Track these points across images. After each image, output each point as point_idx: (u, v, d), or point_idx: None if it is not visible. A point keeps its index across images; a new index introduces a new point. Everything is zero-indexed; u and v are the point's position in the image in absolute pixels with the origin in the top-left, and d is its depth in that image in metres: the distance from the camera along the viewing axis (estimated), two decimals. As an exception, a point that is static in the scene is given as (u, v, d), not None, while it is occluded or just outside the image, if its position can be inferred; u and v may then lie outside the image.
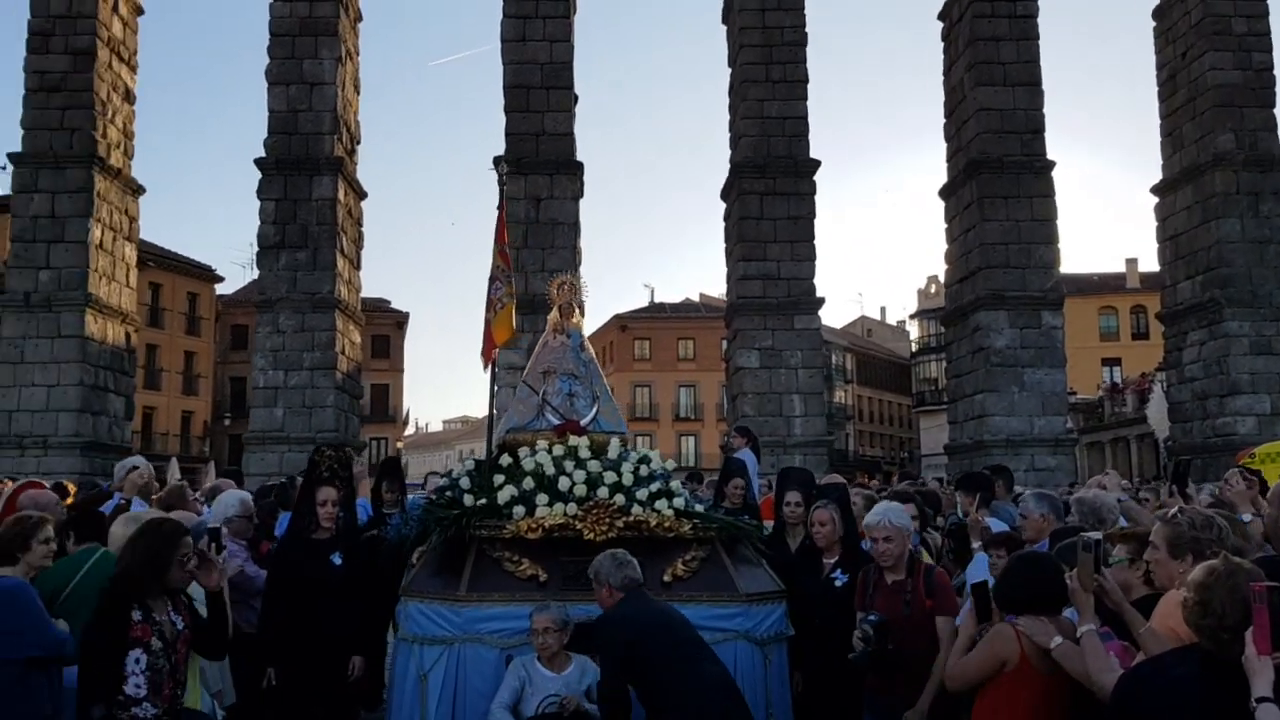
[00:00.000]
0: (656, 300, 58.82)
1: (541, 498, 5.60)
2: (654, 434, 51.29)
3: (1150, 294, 25.07)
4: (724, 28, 26.05)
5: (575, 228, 23.33)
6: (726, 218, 25.50)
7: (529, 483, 5.70)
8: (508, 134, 23.15)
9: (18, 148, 22.78)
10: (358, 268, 25.16)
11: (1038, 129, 23.59)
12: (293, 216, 23.06)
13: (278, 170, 23.06)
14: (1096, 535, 3.83)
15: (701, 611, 5.44)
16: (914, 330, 62.84)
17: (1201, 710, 2.82)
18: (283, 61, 23.38)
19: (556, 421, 6.70)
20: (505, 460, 6.04)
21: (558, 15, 23.56)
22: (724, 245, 25.61)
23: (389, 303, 49.77)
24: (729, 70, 25.58)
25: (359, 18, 25.57)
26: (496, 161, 9.02)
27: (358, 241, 25.08)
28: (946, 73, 25.76)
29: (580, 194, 23.73)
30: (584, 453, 5.91)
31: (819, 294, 23.69)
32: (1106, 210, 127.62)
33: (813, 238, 23.81)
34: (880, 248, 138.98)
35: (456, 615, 5.27)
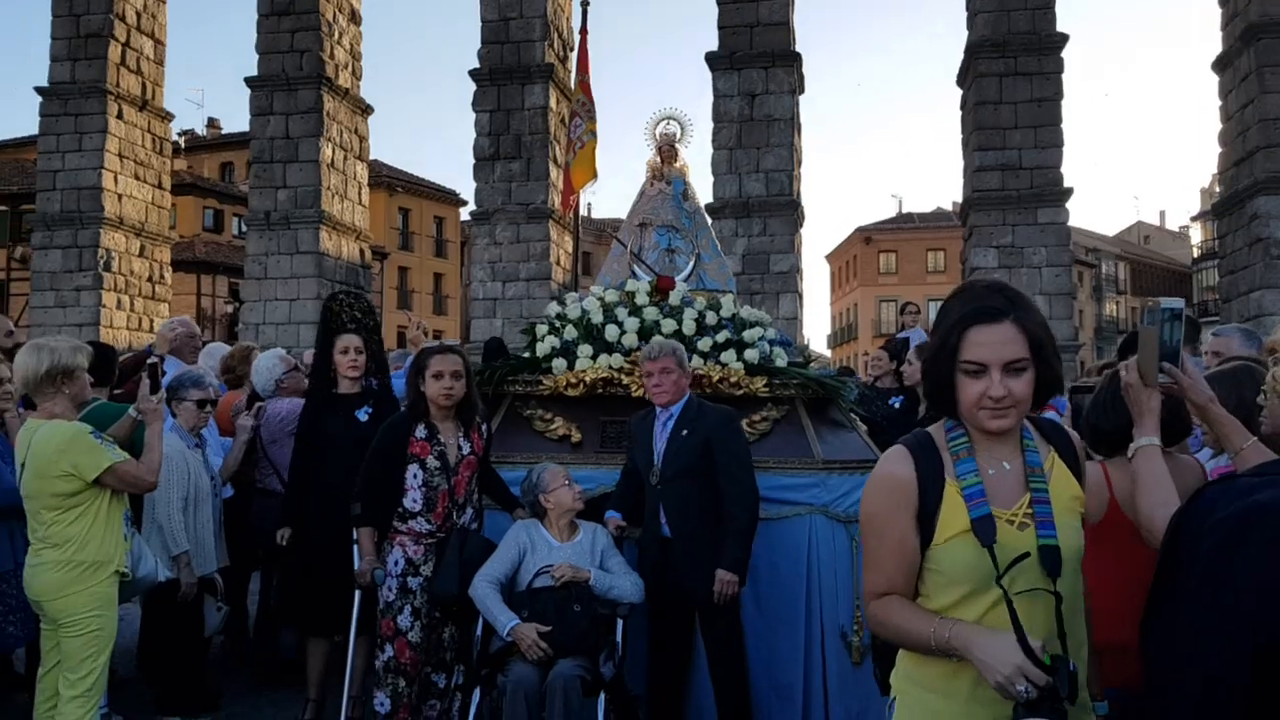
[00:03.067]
0: (904, 211, 55.90)
1: (585, 349, 4.77)
2: (901, 350, 49.08)
3: None
4: (958, -106, 23.59)
5: (792, 124, 22.01)
6: (962, 106, 23.37)
7: (571, 332, 4.88)
8: (720, 27, 22.05)
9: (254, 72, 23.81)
10: (573, 178, 24.88)
11: (1336, -22, 19.93)
12: (506, 127, 23.00)
13: (491, 80, 23.01)
14: (1174, 303, 2.49)
15: (767, 480, 4.49)
16: (1196, 234, 56.56)
17: None
18: (493, -32, 23.16)
19: (648, 279, 5.84)
20: (554, 310, 5.25)
21: (773, -105, 22.00)
22: (960, 136, 23.55)
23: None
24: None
25: (570, -81, 24.96)
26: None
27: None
28: (1224, -77, 22.23)
29: (799, 88, 22.37)
30: (641, 299, 5.01)
31: (1067, 184, 21.32)
32: None
33: (1059, 122, 21.42)
34: (1159, 145, 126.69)
35: (472, 480, 4.59)
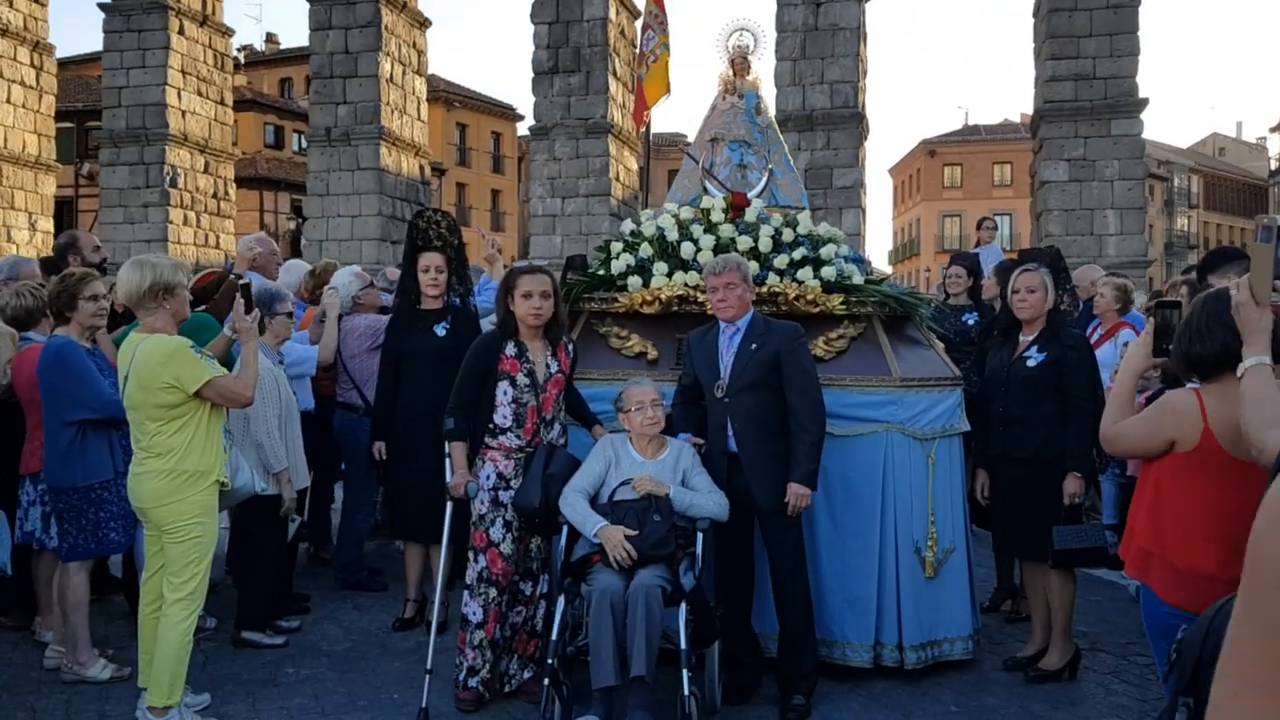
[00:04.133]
0: (970, 123, 54.53)
1: (660, 266, 4.80)
2: (964, 266, 48.34)
3: None
4: None
5: (858, 34, 21.47)
6: (1035, 13, 22.63)
7: (646, 250, 4.90)
8: (785, -67, 21.44)
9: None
10: (633, 92, 24.61)
11: None
12: (565, 39, 22.74)
13: (550, -9, 22.70)
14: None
15: (843, 398, 4.53)
16: (1275, 146, 54.69)
17: None
18: (551, -126, 22.67)
19: (721, 195, 5.82)
20: (629, 227, 5.26)
21: None
22: (1031, 45, 22.84)
23: (687, 138, 49.28)
24: None
25: None
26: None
27: (632, 64, 24.45)
28: None
29: (866, -6, 21.80)
30: (717, 216, 5.00)
31: (1142, 95, 20.65)
32: None
33: (1136, 29, 20.64)
34: (1238, 53, 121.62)
35: (547, 396, 4.69)
